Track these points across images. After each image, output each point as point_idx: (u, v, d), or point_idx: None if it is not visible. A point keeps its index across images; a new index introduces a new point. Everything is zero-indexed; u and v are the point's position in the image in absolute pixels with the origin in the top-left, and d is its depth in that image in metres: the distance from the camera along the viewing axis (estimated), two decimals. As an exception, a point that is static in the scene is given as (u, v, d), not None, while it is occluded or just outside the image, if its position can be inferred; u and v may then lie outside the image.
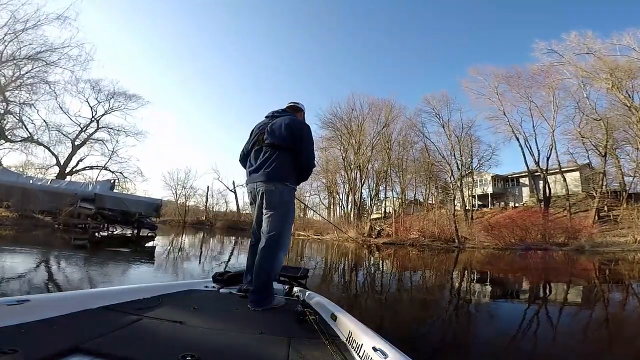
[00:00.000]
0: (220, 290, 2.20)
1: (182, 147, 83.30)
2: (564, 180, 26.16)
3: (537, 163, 28.06)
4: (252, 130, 2.29)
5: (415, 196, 34.51)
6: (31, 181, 15.77)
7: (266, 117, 2.29)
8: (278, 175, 2.03)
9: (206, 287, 2.26)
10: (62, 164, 27.61)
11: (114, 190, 17.08)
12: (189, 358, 0.93)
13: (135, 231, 14.32)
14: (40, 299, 1.31)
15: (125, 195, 15.18)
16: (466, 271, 8.87)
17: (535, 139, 28.12)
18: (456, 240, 18.03)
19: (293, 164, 2.11)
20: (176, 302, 1.71)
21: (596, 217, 22.22)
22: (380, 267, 9.53)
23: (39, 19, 19.41)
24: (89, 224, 13.27)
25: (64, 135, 28.14)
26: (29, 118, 23.31)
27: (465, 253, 15.26)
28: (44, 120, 24.46)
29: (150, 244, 11.27)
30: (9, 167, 23.47)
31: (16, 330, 1.01)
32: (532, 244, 16.08)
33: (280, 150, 2.06)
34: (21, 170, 25.85)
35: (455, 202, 36.05)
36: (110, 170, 29.46)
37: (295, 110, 2.36)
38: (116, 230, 14.95)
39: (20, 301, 1.15)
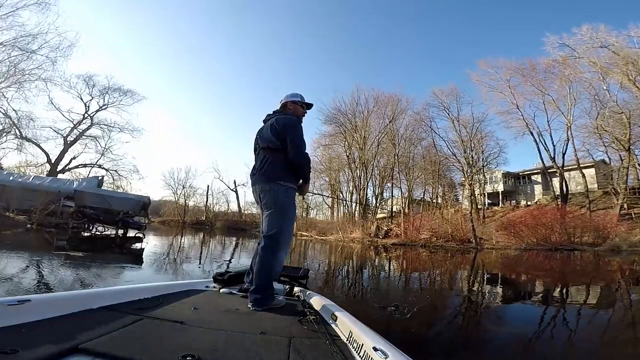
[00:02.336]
0: (221, 290, 2.17)
1: (182, 145, 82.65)
2: (583, 176, 24.64)
3: (553, 159, 26.55)
4: (257, 135, 2.29)
5: (424, 195, 32.93)
6: (11, 177, 14.52)
7: (263, 121, 2.30)
8: (271, 176, 2.07)
9: (207, 287, 2.24)
10: (53, 161, 26.40)
11: (103, 188, 15.75)
12: (190, 358, 0.92)
13: (121, 231, 13.00)
14: (41, 299, 1.27)
15: (108, 192, 13.77)
16: (502, 277, 7.46)
17: (550, 134, 26.68)
18: (473, 241, 16.54)
19: (286, 163, 2.09)
20: (177, 302, 1.70)
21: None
22: (397, 273, 8.13)
23: (16, 5, 18.08)
24: (68, 224, 11.95)
25: (55, 131, 26.99)
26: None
27: (485, 254, 13.85)
28: (14, 110, 22.98)
29: (135, 246, 9.99)
30: (9, 167, 22.38)
31: (17, 331, 1.00)
32: (558, 243, 14.58)
33: (271, 151, 2.09)
34: (22, 170, 24.67)
35: (465, 200, 34.73)
36: (104, 168, 28.26)
37: (284, 107, 2.32)
38: (99, 230, 13.68)
39: (21, 301, 1.13)
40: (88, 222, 12.64)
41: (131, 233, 13.72)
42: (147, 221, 15.93)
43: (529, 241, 15.32)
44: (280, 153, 2.08)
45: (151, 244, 10.79)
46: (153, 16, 73.48)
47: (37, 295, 1.26)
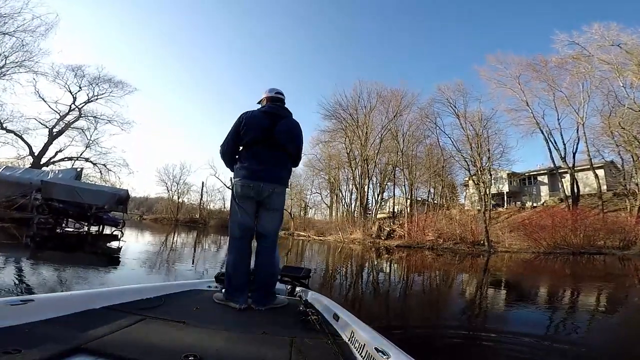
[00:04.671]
0: (223, 290, 2.05)
1: (179, 142, 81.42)
2: (596, 177, 23.47)
3: (564, 158, 25.30)
4: (248, 120, 2.06)
5: (428, 195, 31.52)
6: (-22, 168, 13.07)
7: (265, 111, 2.12)
8: (286, 179, 2.12)
9: (209, 287, 2.22)
10: (36, 154, 24.83)
11: (81, 181, 14.23)
12: (192, 358, 0.92)
13: (95, 228, 11.57)
14: (44, 299, 1.28)
15: (79, 184, 12.17)
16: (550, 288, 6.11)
17: (561, 133, 25.42)
18: (485, 243, 15.21)
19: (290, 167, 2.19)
20: (179, 302, 1.69)
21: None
22: (415, 283, 6.79)
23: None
24: (33, 218, 10.49)
25: (40, 123, 25.43)
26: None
27: (500, 258, 12.55)
28: None
29: (110, 245, 8.65)
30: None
31: (20, 330, 0.99)
32: (579, 247, 13.27)
33: (285, 152, 2.08)
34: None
35: (468, 200, 33.44)
36: (91, 162, 26.65)
37: (282, 103, 2.25)
38: (75, 226, 12.26)
39: (24, 301, 1.12)
40: (56, 217, 11.18)
41: (110, 231, 12.34)
42: (139, 218, 14.48)
43: (547, 244, 14.00)
44: (289, 156, 2.11)
45: (130, 245, 9.36)
46: (152, 15, 72.04)
47: (40, 295, 1.26)
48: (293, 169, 2.27)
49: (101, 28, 62.95)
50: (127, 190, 13.32)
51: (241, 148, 2.06)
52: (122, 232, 12.01)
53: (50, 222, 11.20)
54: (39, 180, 12.38)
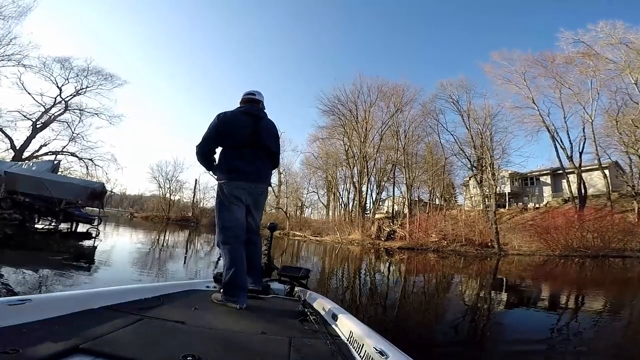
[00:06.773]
0: (222, 290, 2.06)
1: (176, 139, 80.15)
2: (604, 177, 22.69)
3: (570, 158, 24.44)
4: (230, 122, 2.04)
5: (430, 196, 30.48)
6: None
7: (245, 111, 2.09)
8: (269, 178, 2.21)
9: (207, 287, 2.20)
10: (17, 147, 23.49)
11: (52, 173, 12.91)
12: (190, 358, 0.91)
13: (67, 225, 10.37)
14: (42, 299, 1.24)
15: (47, 176, 10.85)
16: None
17: (567, 132, 24.57)
18: (495, 246, 14.19)
19: None
20: (177, 302, 1.68)
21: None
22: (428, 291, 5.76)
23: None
24: (-7, 214, 9.29)
25: (24, 116, 24.10)
26: None
27: (512, 261, 11.54)
28: None
29: (81, 245, 7.53)
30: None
31: (18, 330, 0.97)
32: (598, 249, 12.30)
33: (268, 152, 2.10)
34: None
35: (467, 201, 32.59)
36: (76, 156, 25.37)
37: (260, 104, 2.26)
38: (49, 223, 11.04)
39: (22, 301, 1.10)
40: (21, 212, 9.93)
41: (85, 229, 11.15)
42: (130, 216, 13.22)
43: (561, 246, 12.99)
44: (270, 156, 2.13)
45: (105, 245, 8.21)
46: (149, 14, 70.64)
47: (38, 295, 1.22)
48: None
49: (99, 22, 61.41)
50: (103, 183, 12.09)
51: (222, 149, 2.02)
52: (97, 230, 10.82)
53: (17, 218, 9.98)
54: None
